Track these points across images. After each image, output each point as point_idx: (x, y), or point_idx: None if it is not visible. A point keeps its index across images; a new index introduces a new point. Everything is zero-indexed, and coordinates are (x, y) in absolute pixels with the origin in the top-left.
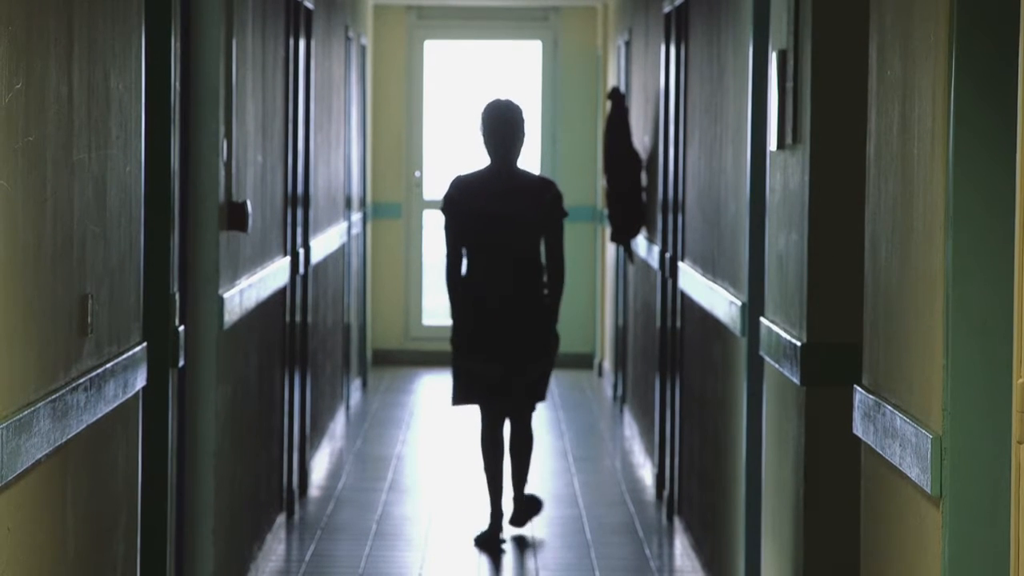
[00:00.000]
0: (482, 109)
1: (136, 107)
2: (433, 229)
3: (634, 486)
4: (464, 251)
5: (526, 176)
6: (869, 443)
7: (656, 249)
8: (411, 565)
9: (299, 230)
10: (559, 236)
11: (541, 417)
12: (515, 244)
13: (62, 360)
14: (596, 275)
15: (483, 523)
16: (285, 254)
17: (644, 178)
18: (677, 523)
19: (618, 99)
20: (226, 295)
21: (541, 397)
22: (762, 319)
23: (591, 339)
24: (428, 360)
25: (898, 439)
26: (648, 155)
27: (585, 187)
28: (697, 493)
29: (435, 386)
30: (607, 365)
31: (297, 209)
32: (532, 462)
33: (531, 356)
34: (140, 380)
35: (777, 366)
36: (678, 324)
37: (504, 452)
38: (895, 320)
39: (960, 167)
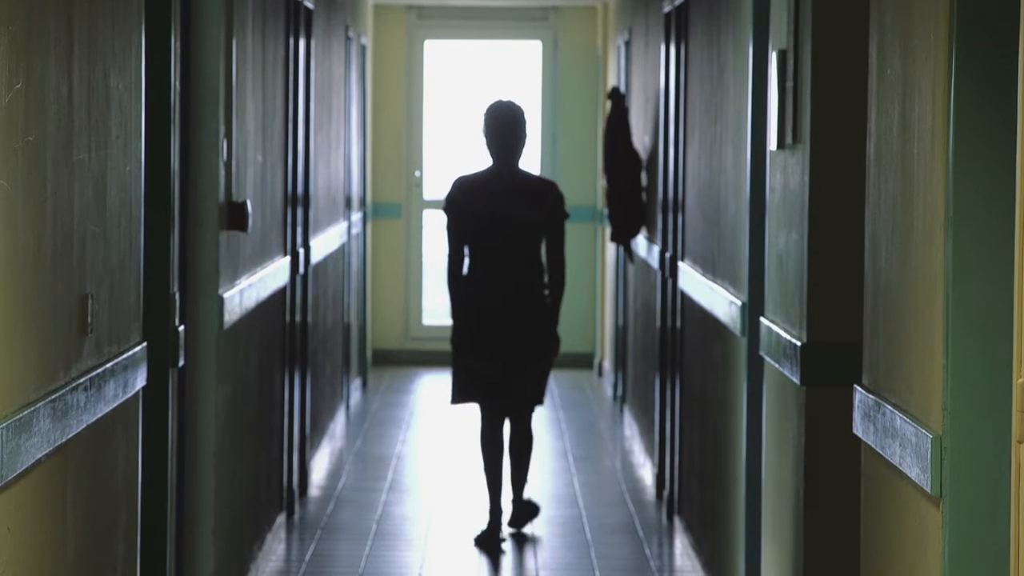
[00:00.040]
0: (484, 110)
1: (136, 107)
2: (433, 229)
3: (634, 486)
4: (466, 251)
5: (528, 177)
6: (869, 443)
7: (656, 249)
8: (411, 565)
9: (299, 230)
10: (560, 237)
11: (541, 417)
12: (516, 245)
13: (62, 360)
14: (596, 275)
15: (483, 523)
16: (285, 254)
17: (644, 178)
18: (677, 523)
19: (618, 99)
20: (226, 295)
21: (539, 399)
22: (762, 319)
23: (591, 339)
24: (428, 360)
25: (898, 439)
26: (648, 155)
27: (585, 187)
28: (697, 493)
29: (435, 386)
30: (607, 365)
31: (297, 209)
32: (532, 462)
33: (531, 356)
34: (140, 380)
35: (777, 366)
36: (678, 324)
37: (504, 451)
38: (895, 320)
39: (960, 166)
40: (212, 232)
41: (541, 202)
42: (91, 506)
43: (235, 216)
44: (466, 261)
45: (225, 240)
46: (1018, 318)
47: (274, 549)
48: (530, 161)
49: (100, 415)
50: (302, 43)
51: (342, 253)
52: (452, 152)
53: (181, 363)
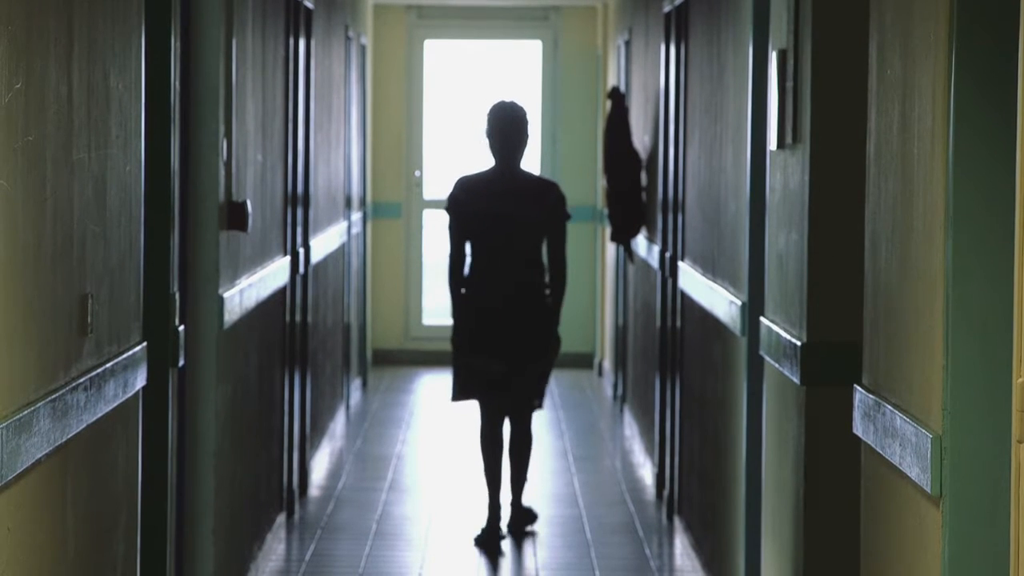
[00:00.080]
0: (488, 110)
1: (136, 107)
2: (433, 229)
3: (634, 486)
4: (467, 250)
5: (530, 177)
6: (869, 443)
7: (656, 249)
8: (411, 565)
9: (299, 230)
10: (562, 238)
11: (541, 417)
12: (517, 245)
13: (62, 360)
14: (596, 275)
15: (483, 522)
16: (285, 254)
17: (644, 178)
18: (677, 523)
19: (618, 99)
20: (226, 295)
21: (540, 400)
22: (762, 319)
23: (591, 339)
24: (428, 360)
25: (898, 439)
26: (648, 155)
27: (585, 187)
28: (697, 493)
29: (435, 386)
30: (607, 365)
31: (297, 209)
32: (532, 462)
33: (531, 356)
34: (140, 380)
35: (777, 366)
36: (678, 324)
37: (503, 450)
38: (895, 320)
39: (960, 166)
40: (212, 232)
41: (543, 203)
42: (91, 506)
43: (235, 216)
44: (467, 260)
45: (225, 240)
46: (1018, 318)
47: (274, 549)
48: (530, 161)
49: (100, 415)
50: (302, 43)
51: (342, 253)
52: (452, 152)
53: (181, 363)
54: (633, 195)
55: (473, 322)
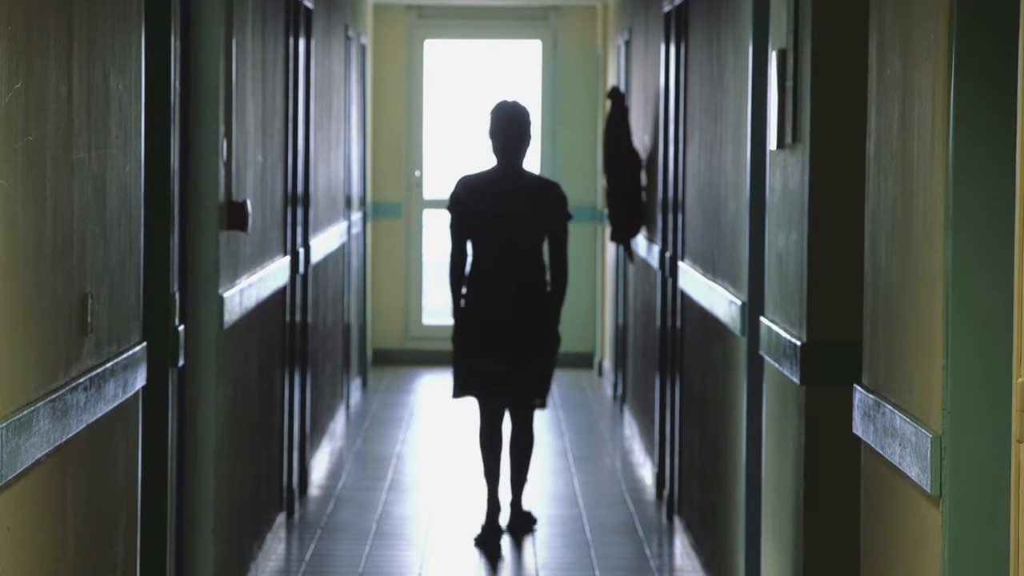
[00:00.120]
0: (490, 109)
1: (136, 107)
2: (433, 229)
3: (634, 486)
4: (469, 249)
5: (531, 177)
6: (869, 442)
7: (656, 248)
8: (411, 565)
9: (299, 230)
10: (563, 238)
11: (541, 417)
12: (519, 244)
13: (62, 360)
14: (596, 275)
15: (482, 520)
16: (285, 254)
17: (644, 178)
18: (677, 523)
19: (618, 98)
20: (226, 295)
21: (542, 399)
22: (762, 318)
23: (591, 339)
24: (428, 360)
25: (898, 438)
26: (648, 155)
27: (585, 187)
28: (697, 493)
29: (435, 385)
30: (607, 365)
31: (297, 209)
32: (532, 462)
33: (532, 356)
34: (140, 380)
35: (777, 365)
36: (678, 324)
37: (503, 447)
38: (895, 319)
39: (960, 166)
40: (212, 232)
41: (544, 202)
42: (91, 506)
43: (235, 216)
44: (469, 259)
45: (225, 240)
46: (1018, 318)
47: (274, 549)
48: (530, 161)
49: (100, 415)
50: (302, 43)
51: (342, 253)
52: (452, 152)
53: (181, 363)
54: (633, 195)
55: (474, 322)
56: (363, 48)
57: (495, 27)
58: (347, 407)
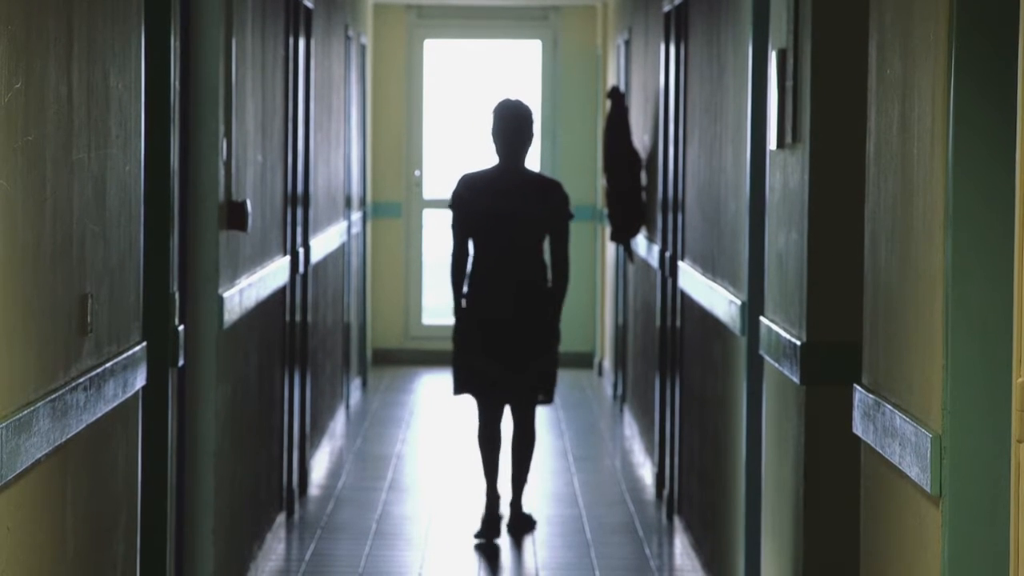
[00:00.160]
0: (493, 108)
1: (136, 106)
2: (433, 228)
3: (634, 485)
4: (471, 247)
5: (533, 176)
6: (869, 442)
7: (656, 248)
8: (411, 565)
9: (299, 229)
10: (565, 237)
11: (541, 417)
12: (520, 242)
13: (62, 360)
14: (596, 274)
15: (482, 513)
16: (285, 253)
17: (644, 177)
18: (677, 522)
19: (618, 98)
20: (226, 294)
21: (549, 396)
22: (762, 318)
23: (591, 338)
24: (428, 359)
25: (898, 438)
26: (648, 154)
27: (585, 187)
28: (697, 492)
29: (435, 385)
30: (607, 364)
31: (297, 208)
32: (532, 462)
33: (532, 354)
34: (140, 380)
35: (777, 365)
36: (678, 323)
37: (501, 444)
38: (895, 319)
39: (960, 166)
40: (212, 232)
41: (545, 201)
42: (91, 506)
43: (235, 216)
44: (470, 257)
45: (225, 240)
46: (1018, 318)
47: (274, 548)
48: (531, 161)
49: (100, 415)
50: (302, 43)
51: (342, 253)
52: (452, 151)
53: (181, 363)
54: (633, 195)
55: (475, 323)
56: (363, 48)
57: (495, 27)
58: (347, 407)
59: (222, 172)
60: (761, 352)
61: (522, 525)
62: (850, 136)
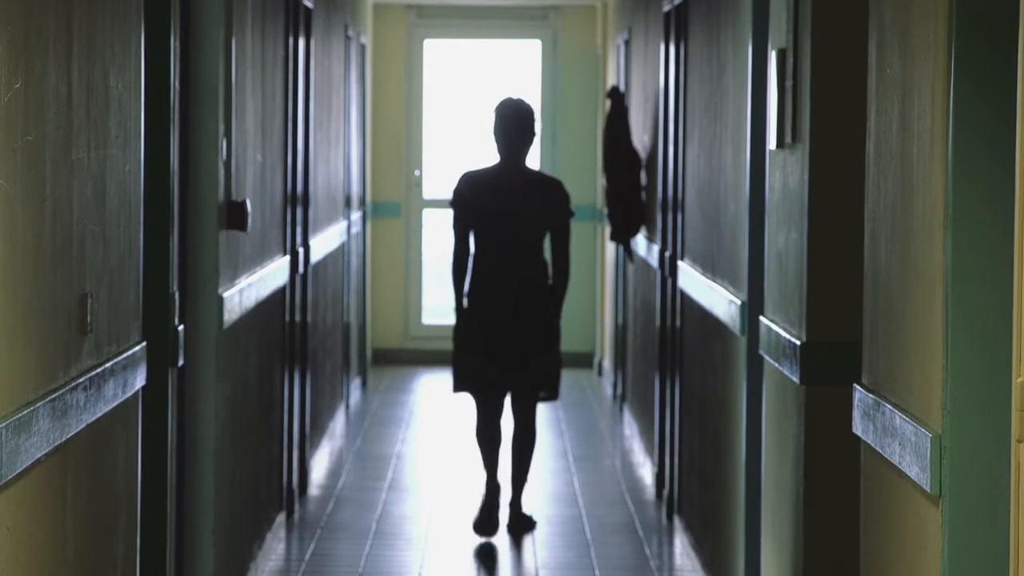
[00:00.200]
0: (494, 106)
1: (135, 106)
2: (433, 228)
3: (634, 485)
4: (471, 245)
5: (534, 174)
6: (869, 442)
7: (656, 248)
8: (411, 564)
9: (299, 229)
10: (566, 235)
11: (541, 417)
12: (521, 240)
13: (61, 359)
14: (596, 274)
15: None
16: (285, 253)
17: (644, 177)
18: (677, 522)
19: (618, 98)
20: (226, 294)
21: (554, 392)
22: (762, 318)
23: (591, 338)
24: (428, 359)
25: (898, 438)
26: (648, 154)
27: (585, 186)
28: (697, 492)
29: (435, 385)
30: (607, 364)
31: (297, 208)
32: (532, 461)
33: (533, 351)
34: (140, 380)
35: (777, 365)
36: (678, 323)
37: (501, 440)
38: (895, 319)
39: (959, 165)
40: (212, 232)
41: (546, 199)
42: (91, 506)
43: (235, 215)
44: (472, 255)
45: (225, 240)
46: (1018, 317)
47: (274, 548)
48: (531, 161)
49: (100, 415)
50: (302, 42)
51: (342, 252)
52: (452, 151)
53: (181, 363)
54: (633, 195)
55: (477, 324)
56: (363, 48)
57: (495, 27)
58: (347, 407)
59: (222, 172)
60: (761, 352)
61: (522, 525)
62: (850, 136)
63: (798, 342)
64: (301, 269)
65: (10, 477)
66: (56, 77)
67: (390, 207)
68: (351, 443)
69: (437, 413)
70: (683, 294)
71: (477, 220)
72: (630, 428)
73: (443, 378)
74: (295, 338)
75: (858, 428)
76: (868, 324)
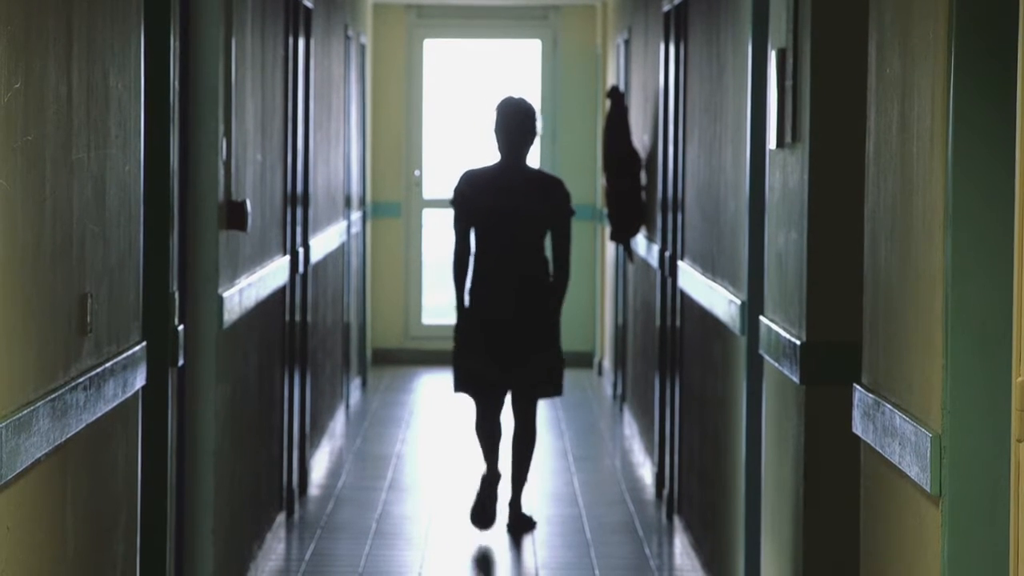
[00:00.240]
0: (496, 105)
1: (135, 106)
2: (433, 228)
3: (634, 485)
4: (472, 244)
5: (535, 173)
6: (869, 442)
7: (656, 248)
8: (411, 564)
9: (299, 229)
10: (566, 234)
11: (541, 417)
12: (521, 239)
13: (61, 359)
14: (596, 274)
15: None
16: (285, 253)
17: (644, 177)
18: (677, 522)
19: (617, 98)
20: (225, 294)
21: (557, 389)
22: (762, 318)
23: (591, 338)
24: (428, 359)
25: (898, 438)
26: (648, 154)
27: (585, 186)
28: (697, 492)
29: (435, 385)
30: (607, 364)
31: (297, 208)
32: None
33: (534, 348)
34: (140, 379)
35: (777, 365)
36: (678, 323)
37: (501, 435)
38: (895, 319)
39: (959, 165)
40: (212, 231)
41: (547, 198)
42: (91, 506)
43: (234, 215)
44: (472, 254)
45: (224, 239)
46: (1018, 318)
47: (274, 548)
48: (532, 159)
49: (100, 415)
50: (301, 42)
51: (342, 252)
52: (452, 151)
53: (181, 363)
54: (633, 195)
55: (478, 324)
56: (363, 48)
57: (495, 27)
58: (347, 406)
59: (222, 172)
60: (761, 352)
61: (522, 525)
62: (850, 136)
63: (798, 342)
64: (301, 269)
65: (10, 477)
66: (56, 77)
67: (390, 207)
68: (351, 443)
69: (437, 413)
70: (683, 294)
71: (478, 219)
72: (630, 428)
73: (443, 378)
74: (295, 338)
75: (858, 428)
76: (868, 324)
